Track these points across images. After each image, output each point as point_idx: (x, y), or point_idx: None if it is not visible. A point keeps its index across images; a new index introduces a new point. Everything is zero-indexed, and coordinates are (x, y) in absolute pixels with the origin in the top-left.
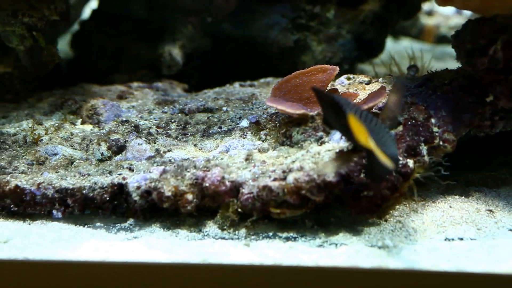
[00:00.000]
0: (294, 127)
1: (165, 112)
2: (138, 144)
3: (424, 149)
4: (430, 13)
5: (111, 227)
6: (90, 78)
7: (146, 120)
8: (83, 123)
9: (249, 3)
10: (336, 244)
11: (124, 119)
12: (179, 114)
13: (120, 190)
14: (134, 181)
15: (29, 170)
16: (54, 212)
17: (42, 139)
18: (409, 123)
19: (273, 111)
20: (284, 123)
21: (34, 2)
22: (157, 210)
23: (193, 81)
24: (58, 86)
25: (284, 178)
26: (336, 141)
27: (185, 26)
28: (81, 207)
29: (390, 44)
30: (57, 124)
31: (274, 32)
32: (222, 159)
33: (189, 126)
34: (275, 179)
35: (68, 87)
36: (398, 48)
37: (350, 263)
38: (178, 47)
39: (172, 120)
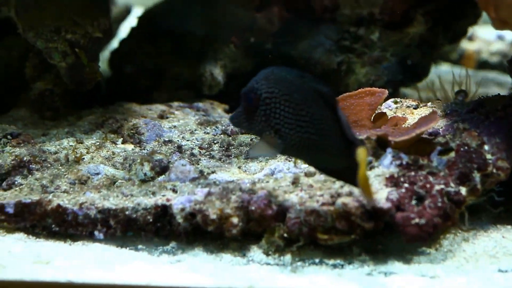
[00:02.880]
0: None
1: (208, 133)
2: (182, 165)
3: (477, 176)
4: (470, 38)
5: (153, 250)
6: (129, 96)
7: (188, 140)
8: (124, 142)
9: (293, 24)
10: (386, 273)
11: (167, 139)
12: (222, 135)
13: (163, 211)
14: (179, 203)
15: (71, 189)
16: (96, 233)
17: (84, 158)
18: (462, 149)
19: None
20: None
21: (77, 19)
22: (200, 233)
23: (233, 102)
24: (97, 104)
25: (333, 203)
26: (386, 167)
27: (227, 45)
28: (124, 229)
29: None
30: (98, 143)
31: (318, 53)
32: (267, 182)
33: (232, 147)
34: (323, 204)
35: (108, 106)
36: (439, 73)
37: None
38: (219, 67)
39: (215, 141)
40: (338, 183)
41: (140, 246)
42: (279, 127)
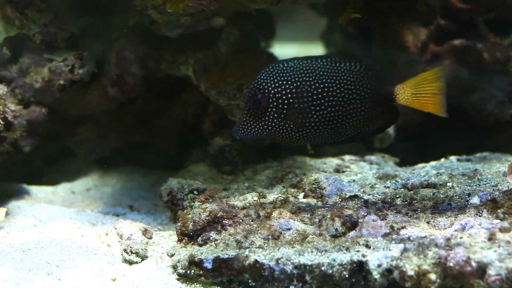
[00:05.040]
0: None
1: (388, 187)
2: (373, 220)
3: None
4: None
5: None
6: (297, 150)
7: (369, 195)
8: (305, 196)
9: (463, 76)
10: None
11: (352, 194)
12: (402, 189)
13: (359, 267)
14: (375, 259)
15: (265, 245)
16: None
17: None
18: None
19: (506, 188)
20: None
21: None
22: None
23: (401, 154)
24: (270, 157)
25: None
26: None
27: None
28: (319, 284)
29: None
30: (282, 198)
31: (491, 105)
32: (461, 238)
33: (415, 202)
34: None
35: (281, 159)
36: None
37: None
38: None
39: (397, 196)
40: None
41: None
42: (298, 118)
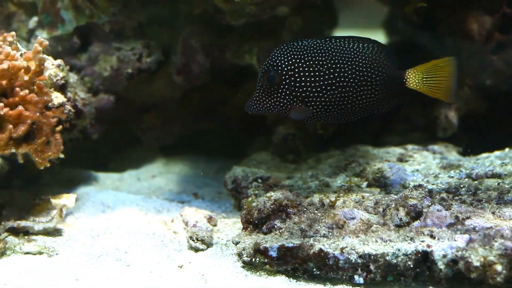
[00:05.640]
0: None
1: (452, 177)
2: (437, 210)
3: None
4: None
5: None
6: (358, 138)
7: (433, 184)
8: (369, 186)
9: None
10: None
11: (412, 183)
12: (466, 179)
13: (423, 257)
14: (440, 249)
15: (330, 234)
16: (356, 277)
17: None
18: None
19: None
20: None
21: None
22: (458, 279)
23: (464, 144)
24: (333, 146)
25: None
26: None
27: (461, 88)
28: (383, 274)
29: None
30: (345, 187)
31: None
32: None
33: (480, 192)
34: None
35: (343, 148)
36: None
37: None
38: (453, 110)
39: (461, 186)
40: None
41: None
42: (309, 96)
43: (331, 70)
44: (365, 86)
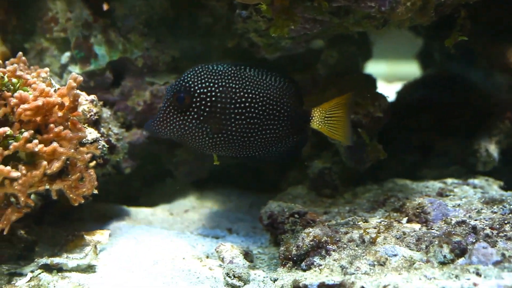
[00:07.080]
0: None
1: (495, 212)
2: (483, 247)
3: None
4: None
5: None
6: (396, 172)
7: (476, 220)
8: (409, 221)
9: None
10: None
11: (459, 219)
12: (510, 215)
13: None
14: (487, 287)
15: (371, 271)
16: None
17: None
18: None
19: None
20: None
21: (359, 99)
22: None
23: (505, 178)
24: (370, 180)
25: None
26: None
27: (501, 121)
28: None
29: None
30: (385, 223)
31: None
32: None
33: None
34: None
35: (381, 182)
36: None
37: None
38: (494, 143)
39: (505, 221)
40: None
41: None
42: (217, 123)
43: (243, 99)
44: (272, 120)
